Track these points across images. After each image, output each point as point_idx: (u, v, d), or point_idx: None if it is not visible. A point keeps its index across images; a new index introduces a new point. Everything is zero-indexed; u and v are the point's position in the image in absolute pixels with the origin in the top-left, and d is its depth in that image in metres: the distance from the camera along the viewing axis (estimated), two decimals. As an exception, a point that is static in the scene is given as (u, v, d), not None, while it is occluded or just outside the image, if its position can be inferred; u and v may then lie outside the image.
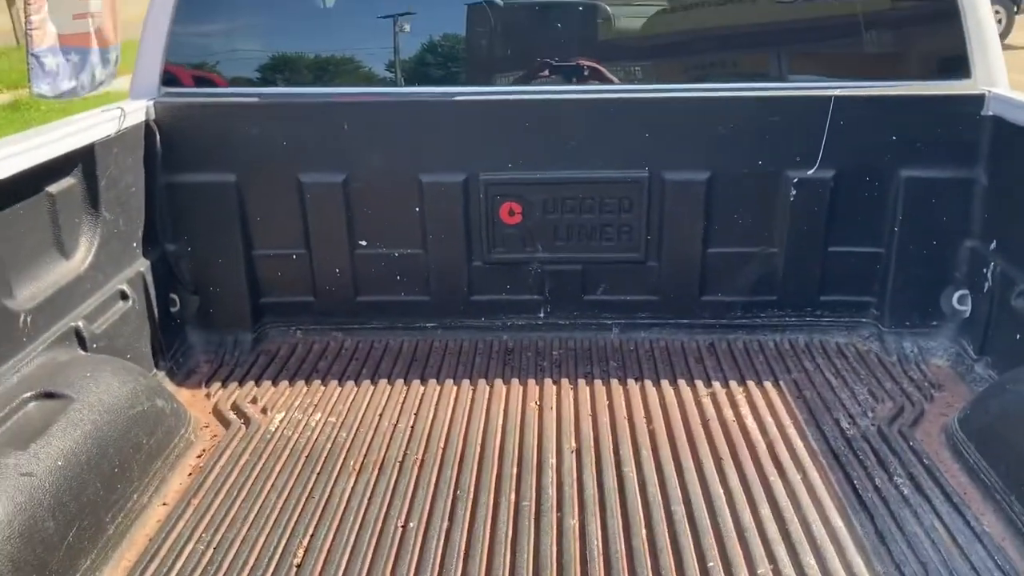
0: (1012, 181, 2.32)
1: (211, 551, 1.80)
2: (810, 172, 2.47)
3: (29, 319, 1.95)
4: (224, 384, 2.54)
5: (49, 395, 1.85)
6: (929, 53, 2.50)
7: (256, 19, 2.63)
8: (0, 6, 12.67)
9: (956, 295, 2.53)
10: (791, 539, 1.78)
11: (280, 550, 1.79)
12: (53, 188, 2.10)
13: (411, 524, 1.86)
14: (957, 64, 2.40)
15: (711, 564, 1.72)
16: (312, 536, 1.84)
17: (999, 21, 13.01)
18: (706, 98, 2.47)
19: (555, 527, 1.84)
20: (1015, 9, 11.74)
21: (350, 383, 2.52)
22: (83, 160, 2.19)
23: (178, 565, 1.75)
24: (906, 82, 2.44)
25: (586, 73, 2.55)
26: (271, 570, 1.73)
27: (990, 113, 2.37)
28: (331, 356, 2.71)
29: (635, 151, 2.52)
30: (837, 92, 2.41)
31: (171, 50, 2.52)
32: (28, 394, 1.83)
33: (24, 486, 1.60)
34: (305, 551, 1.79)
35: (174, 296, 2.64)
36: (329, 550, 1.79)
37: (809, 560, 1.72)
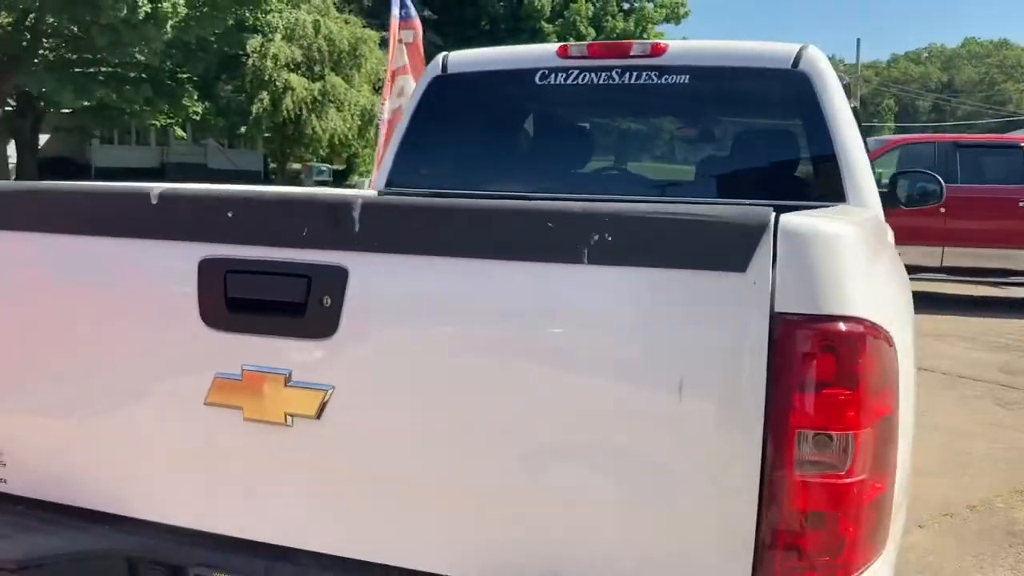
0: None
1: None
2: None
3: None
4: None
5: None
6: (819, 186, 3.32)
7: (442, 162, 3.89)
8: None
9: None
10: None
11: None
12: None
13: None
14: (838, 192, 3.19)
15: None
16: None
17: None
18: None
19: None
20: None
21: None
22: None
23: None
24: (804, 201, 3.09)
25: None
26: None
27: None
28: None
29: None
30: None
31: (392, 170, 3.81)
32: None
33: None
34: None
35: None
36: None
37: None
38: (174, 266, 1.69)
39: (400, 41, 10.85)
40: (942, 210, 10.57)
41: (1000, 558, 3.75)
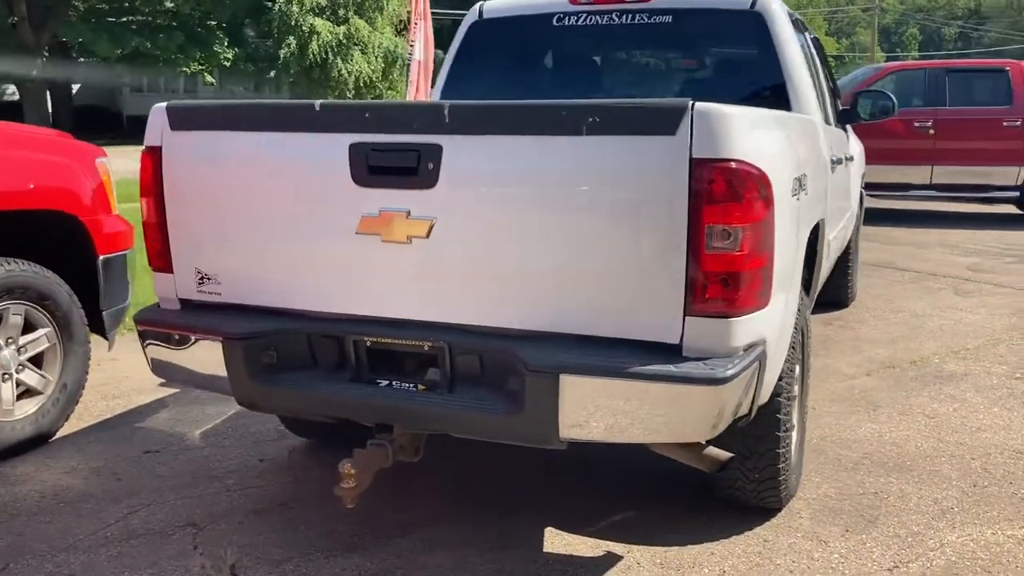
0: None
1: None
2: None
3: None
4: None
5: None
6: (769, 96, 4.13)
7: (480, 89, 4.93)
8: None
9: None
10: None
11: None
12: None
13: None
14: (784, 101, 4.11)
15: None
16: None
17: None
18: None
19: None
20: None
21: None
22: None
23: None
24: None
25: None
26: None
27: None
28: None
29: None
30: None
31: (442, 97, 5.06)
32: None
33: None
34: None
35: None
36: None
37: None
38: (333, 147, 2.72)
39: (420, -12, 11.76)
40: (931, 132, 11.45)
41: (924, 391, 4.80)
